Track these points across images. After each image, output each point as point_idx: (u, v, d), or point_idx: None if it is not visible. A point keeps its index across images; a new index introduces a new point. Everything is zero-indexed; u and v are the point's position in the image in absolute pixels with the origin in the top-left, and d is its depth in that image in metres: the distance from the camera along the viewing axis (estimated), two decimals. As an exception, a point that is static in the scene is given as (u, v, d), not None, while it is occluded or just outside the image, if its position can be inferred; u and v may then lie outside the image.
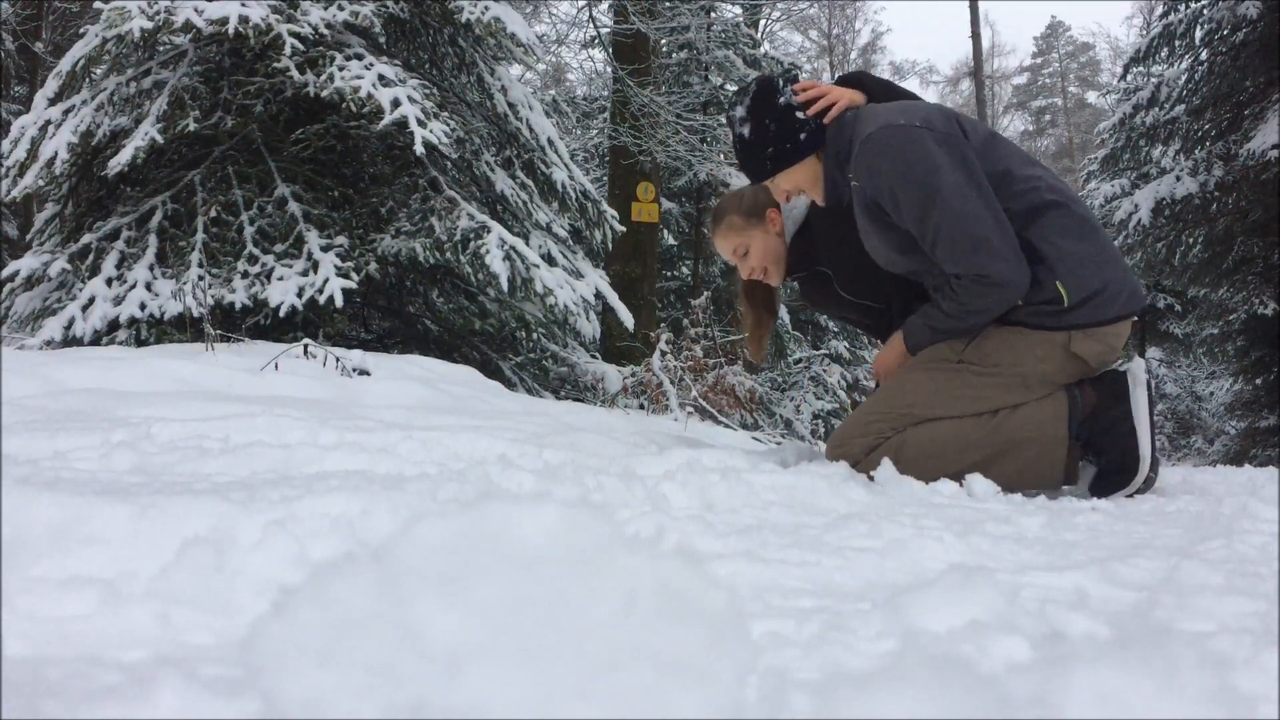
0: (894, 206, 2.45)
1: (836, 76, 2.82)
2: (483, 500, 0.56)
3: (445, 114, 6.04)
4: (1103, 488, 2.51)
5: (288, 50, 5.72)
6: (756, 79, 2.69)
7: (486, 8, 6.47)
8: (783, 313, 13.00)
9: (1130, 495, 2.48)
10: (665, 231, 14.73)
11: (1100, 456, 2.53)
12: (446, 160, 6.90)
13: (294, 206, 6.16)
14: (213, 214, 6.07)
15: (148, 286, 5.82)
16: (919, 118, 2.46)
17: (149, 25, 5.73)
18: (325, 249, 5.96)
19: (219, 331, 4.82)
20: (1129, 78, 13.68)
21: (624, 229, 8.45)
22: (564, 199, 7.55)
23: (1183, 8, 11.69)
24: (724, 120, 14.35)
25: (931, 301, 2.58)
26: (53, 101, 6.39)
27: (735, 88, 14.27)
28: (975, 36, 24.15)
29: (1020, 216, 2.45)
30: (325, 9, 5.98)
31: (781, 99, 2.60)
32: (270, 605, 0.53)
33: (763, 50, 15.69)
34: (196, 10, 5.61)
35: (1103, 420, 2.52)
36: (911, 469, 2.42)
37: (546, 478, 1.66)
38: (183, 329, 5.66)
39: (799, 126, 2.59)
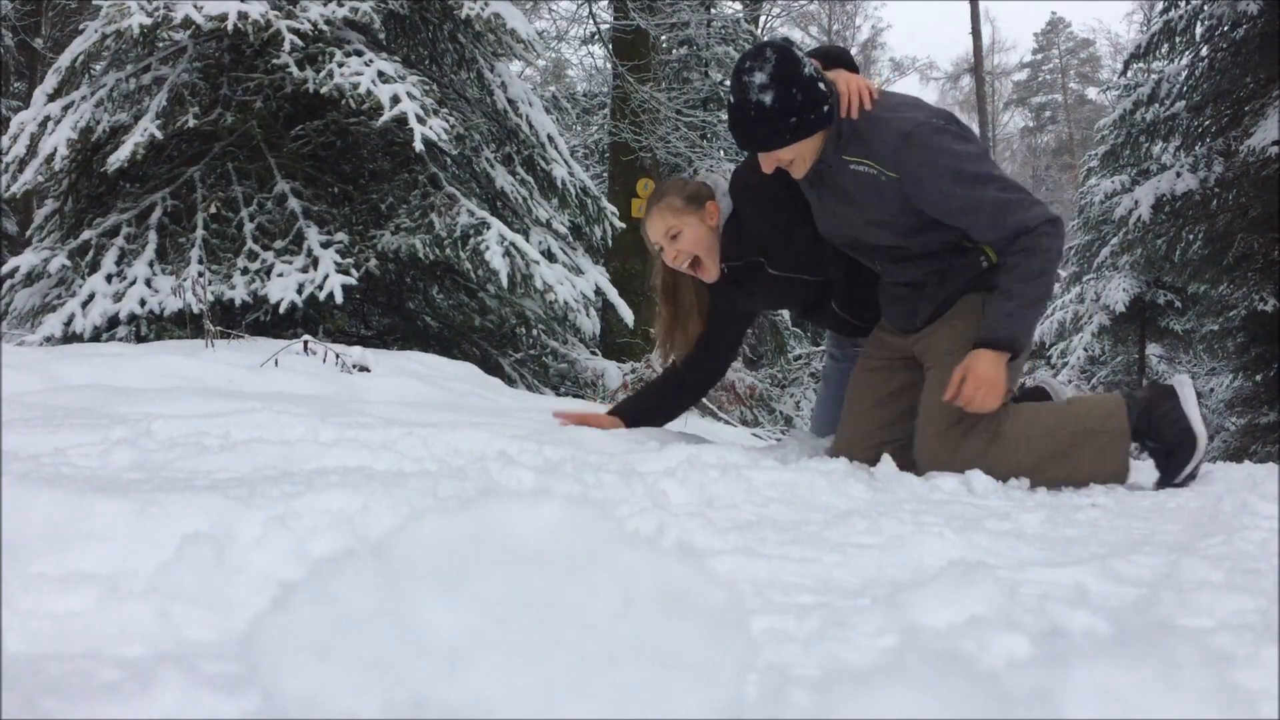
0: (931, 198, 2.55)
1: (813, 49, 2.82)
2: (483, 497, 0.56)
3: (445, 110, 6.04)
4: (1167, 467, 2.72)
5: (287, 46, 5.72)
6: (770, 45, 2.59)
7: (486, 4, 6.46)
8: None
9: (1193, 472, 2.71)
10: (665, 228, 14.71)
11: (1159, 441, 2.74)
12: (446, 156, 6.89)
13: (294, 203, 6.15)
14: (212, 210, 6.07)
15: (147, 283, 5.82)
16: (937, 116, 2.60)
17: (148, 21, 5.73)
18: (325, 245, 5.96)
19: (219, 328, 4.82)
20: (1129, 74, 13.66)
21: (624, 225, 8.45)
22: (564, 195, 7.55)
23: (1183, 4, 11.66)
24: (725, 117, 14.36)
25: (996, 293, 2.55)
26: (52, 97, 6.38)
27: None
28: (975, 33, 24.14)
29: None
30: (325, 5, 5.97)
31: (806, 69, 2.56)
32: (270, 601, 0.53)
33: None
34: (196, 6, 5.60)
35: (1157, 412, 2.74)
36: (1003, 463, 2.54)
37: (546, 474, 1.66)
38: (182, 325, 5.66)
39: (823, 99, 2.57)
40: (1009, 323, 2.53)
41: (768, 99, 2.53)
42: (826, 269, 2.97)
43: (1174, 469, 2.69)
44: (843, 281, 2.99)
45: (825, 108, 2.57)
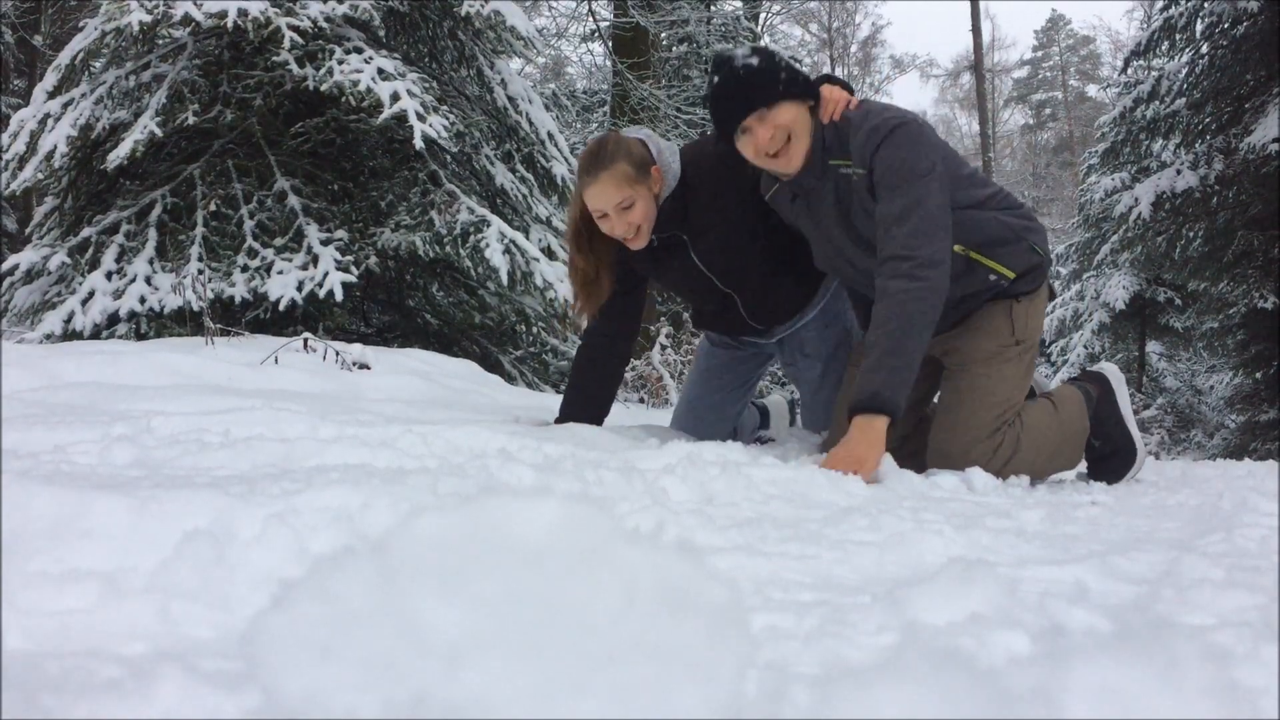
0: (885, 181, 2.50)
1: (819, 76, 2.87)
2: (483, 494, 0.56)
3: (445, 108, 6.04)
4: (1106, 471, 2.89)
5: (287, 43, 5.71)
6: (741, 46, 2.74)
7: (486, 1, 6.45)
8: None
9: (1133, 478, 2.88)
10: (665, 225, 14.71)
11: (1104, 442, 2.89)
12: (446, 154, 6.89)
13: (293, 200, 6.15)
14: (212, 208, 6.07)
15: (147, 280, 5.81)
16: (916, 120, 2.61)
17: (148, 19, 5.72)
18: (325, 243, 5.95)
19: (219, 325, 4.82)
20: (1129, 71, 13.64)
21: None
22: (564, 193, 7.54)
23: (1183, 1, 11.66)
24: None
25: (864, 354, 2.45)
26: (52, 95, 6.37)
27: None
28: (976, 30, 24.12)
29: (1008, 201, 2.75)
30: (324, 2, 5.96)
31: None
32: (270, 599, 0.53)
33: (763, 44, 15.66)
34: (196, 4, 5.60)
35: (1102, 411, 2.89)
36: (1025, 463, 2.62)
37: (546, 471, 1.66)
38: (182, 323, 5.66)
39: (805, 75, 2.64)
40: (868, 380, 2.37)
41: (755, 62, 2.58)
42: (740, 281, 2.98)
43: (1113, 473, 2.87)
44: (759, 293, 3.01)
45: (808, 85, 2.62)
